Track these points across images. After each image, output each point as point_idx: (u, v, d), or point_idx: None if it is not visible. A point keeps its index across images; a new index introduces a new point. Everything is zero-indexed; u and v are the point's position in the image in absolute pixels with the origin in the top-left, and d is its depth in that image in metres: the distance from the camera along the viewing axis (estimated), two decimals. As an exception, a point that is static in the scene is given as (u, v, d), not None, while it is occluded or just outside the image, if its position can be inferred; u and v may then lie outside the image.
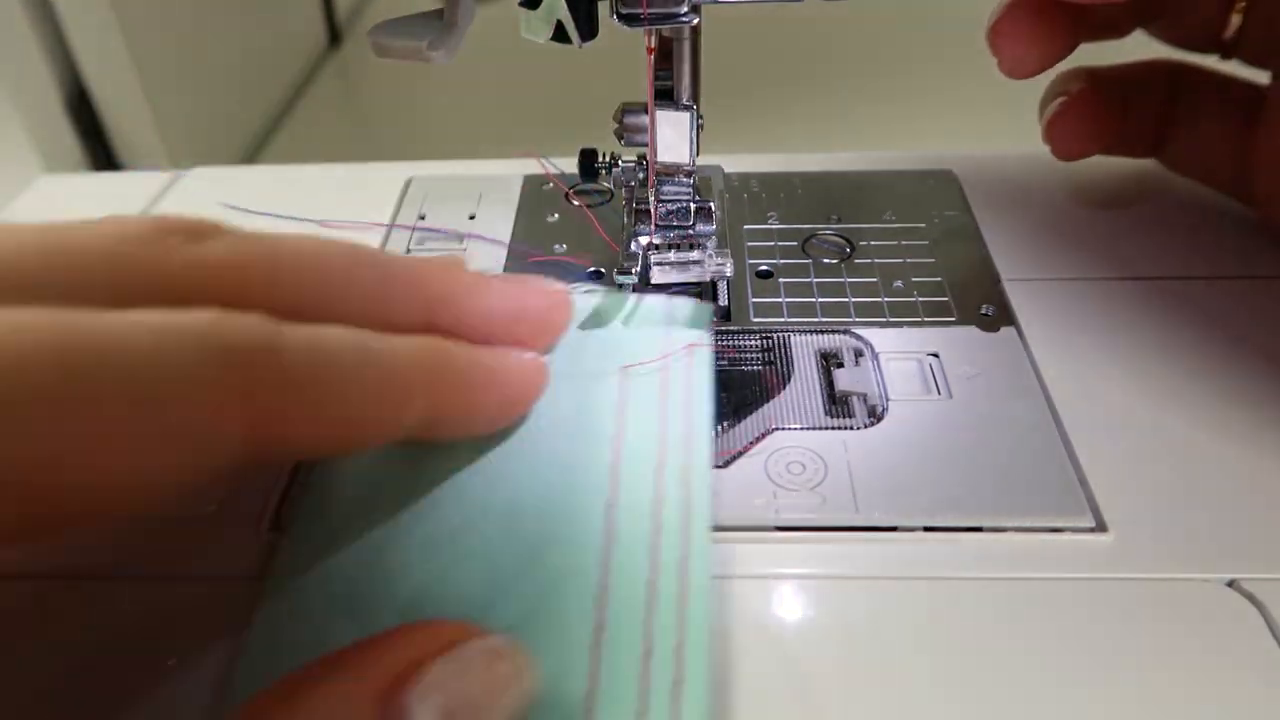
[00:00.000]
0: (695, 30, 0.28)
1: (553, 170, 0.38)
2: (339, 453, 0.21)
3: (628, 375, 0.26)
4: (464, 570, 0.22)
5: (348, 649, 0.18)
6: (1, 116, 0.47)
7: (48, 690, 0.21)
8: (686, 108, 0.29)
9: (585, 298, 0.29)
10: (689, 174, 0.31)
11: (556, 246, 0.35)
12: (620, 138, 0.31)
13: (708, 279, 0.30)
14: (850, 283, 0.33)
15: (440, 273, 0.24)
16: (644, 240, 0.31)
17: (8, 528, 0.16)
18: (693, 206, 0.32)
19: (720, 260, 0.30)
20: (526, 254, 0.35)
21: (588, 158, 0.34)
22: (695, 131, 0.30)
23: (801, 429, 0.28)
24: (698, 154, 0.30)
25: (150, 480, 0.17)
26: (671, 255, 0.30)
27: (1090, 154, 0.34)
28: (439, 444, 0.24)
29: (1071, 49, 0.31)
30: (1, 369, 0.15)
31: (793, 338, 0.31)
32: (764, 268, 0.33)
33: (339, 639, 0.19)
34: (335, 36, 0.72)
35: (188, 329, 0.17)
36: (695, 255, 0.30)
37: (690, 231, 0.32)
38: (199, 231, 0.21)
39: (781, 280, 0.33)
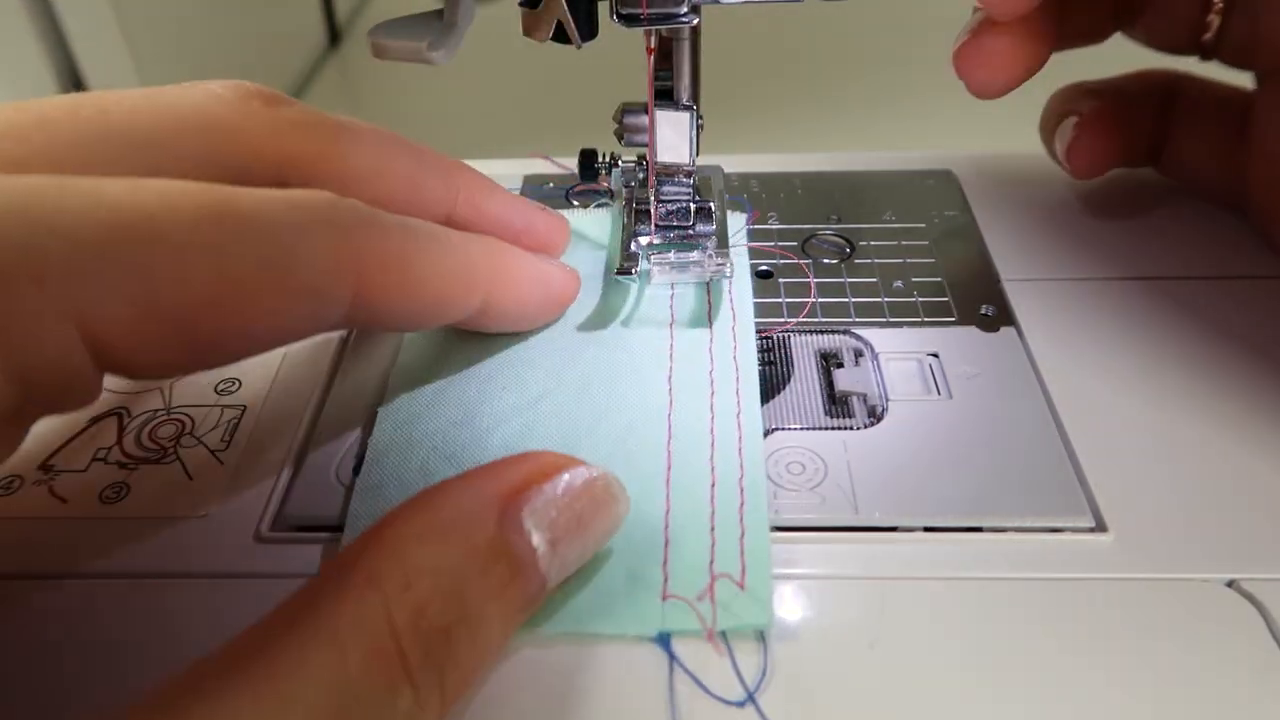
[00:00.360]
0: (695, 30, 0.28)
1: (560, 170, 0.38)
2: (415, 327, 0.26)
3: (672, 276, 0.31)
4: (545, 425, 0.26)
5: (470, 471, 0.21)
6: (1, 116, 0.47)
7: (47, 690, 0.21)
8: (686, 108, 0.29)
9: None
10: (689, 174, 0.31)
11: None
12: (620, 138, 0.31)
13: (707, 279, 0.30)
14: (850, 283, 0.33)
15: (464, 170, 0.28)
16: (644, 240, 0.31)
17: (172, 359, 0.20)
18: (693, 207, 0.32)
19: (720, 261, 0.30)
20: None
21: (587, 158, 0.34)
22: (695, 132, 0.30)
23: (801, 429, 0.28)
24: (698, 154, 0.31)
25: (278, 326, 0.21)
26: (671, 255, 0.30)
27: (1107, 171, 0.34)
28: (516, 335, 0.29)
29: (1043, 64, 0.30)
30: (176, 224, 0.19)
31: (793, 338, 0.31)
32: (764, 268, 0.33)
33: (442, 477, 0.22)
34: (335, 36, 0.72)
35: (313, 204, 0.21)
36: (695, 255, 0.30)
37: (690, 231, 0.32)
38: (275, 99, 0.25)
39: (781, 280, 0.33)
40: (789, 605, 0.23)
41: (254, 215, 0.20)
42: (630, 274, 0.30)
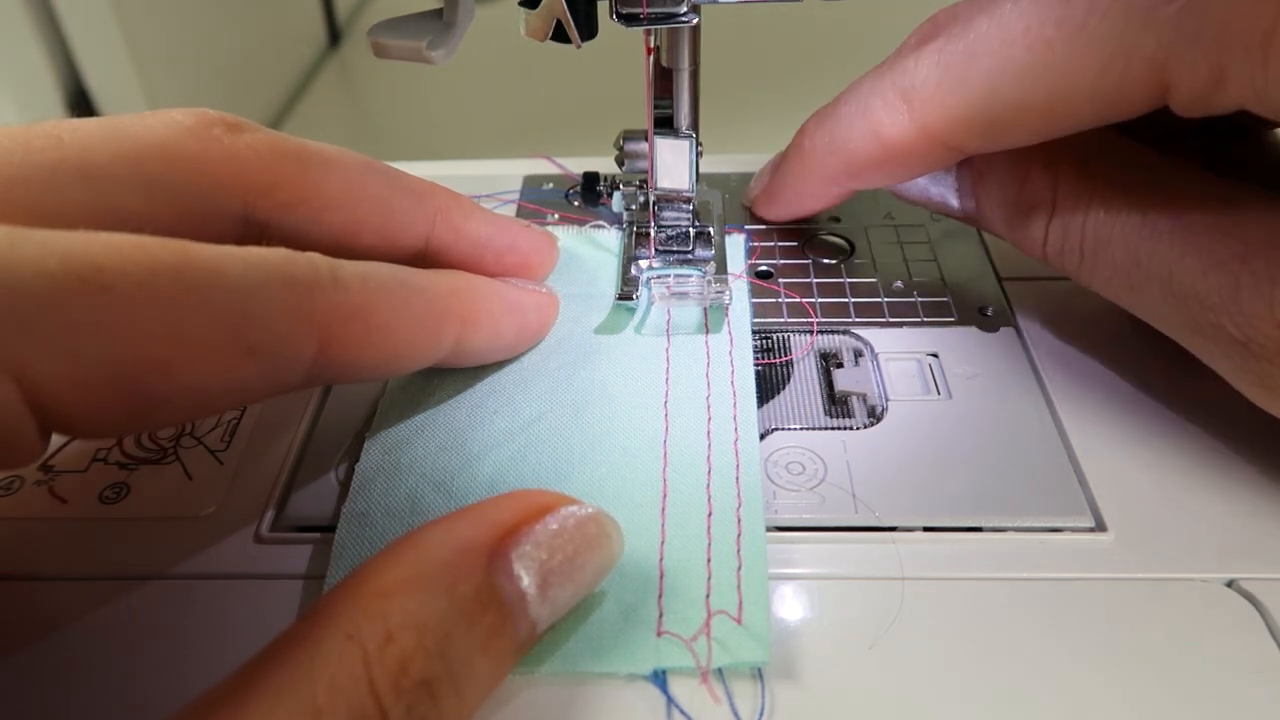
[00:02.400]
0: (695, 33, 0.28)
1: (560, 170, 0.38)
2: (384, 377, 0.24)
3: (671, 301, 0.30)
4: (538, 451, 0.26)
5: (455, 513, 0.20)
6: (2, 116, 0.47)
7: (47, 690, 0.21)
8: (686, 135, 0.30)
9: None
10: (688, 200, 0.31)
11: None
12: (621, 164, 0.31)
13: (706, 304, 0.30)
14: (850, 283, 0.33)
15: (441, 192, 0.27)
16: (643, 264, 0.31)
17: (119, 420, 0.19)
18: (692, 231, 0.32)
19: (719, 287, 0.30)
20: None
21: (590, 180, 0.34)
22: (694, 158, 0.30)
23: (801, 429, 0.28)
24: (697, 180, 0.31)
25: (233, 387, 0.20)
26: (670, 280, 0.30)
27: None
28: (508, 361, 0.28)
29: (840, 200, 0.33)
30: (127, 278, 0.18)
31: (793, 338, 0.31)
32: (764, 268, 0.33)
33: (430, 506, 0.24)
34: (335, 36, 0.72)
35: (269, 261, 0.20)
36: (693, 280, 0.30)
37: (690, 256, 0.32)
38: (238, 126, 0.24)
39: (781, 280, 0.33)
40: (789, 605, 0.23)
41: (210, 271, 0.19)
42: (631, 299, 0.30)
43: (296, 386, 0.21)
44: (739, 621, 0.22)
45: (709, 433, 0.26)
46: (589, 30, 0.27)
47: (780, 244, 0.35)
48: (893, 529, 0.25)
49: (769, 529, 0.24)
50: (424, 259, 0.27)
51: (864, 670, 0.21)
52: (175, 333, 0.18)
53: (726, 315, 0.30)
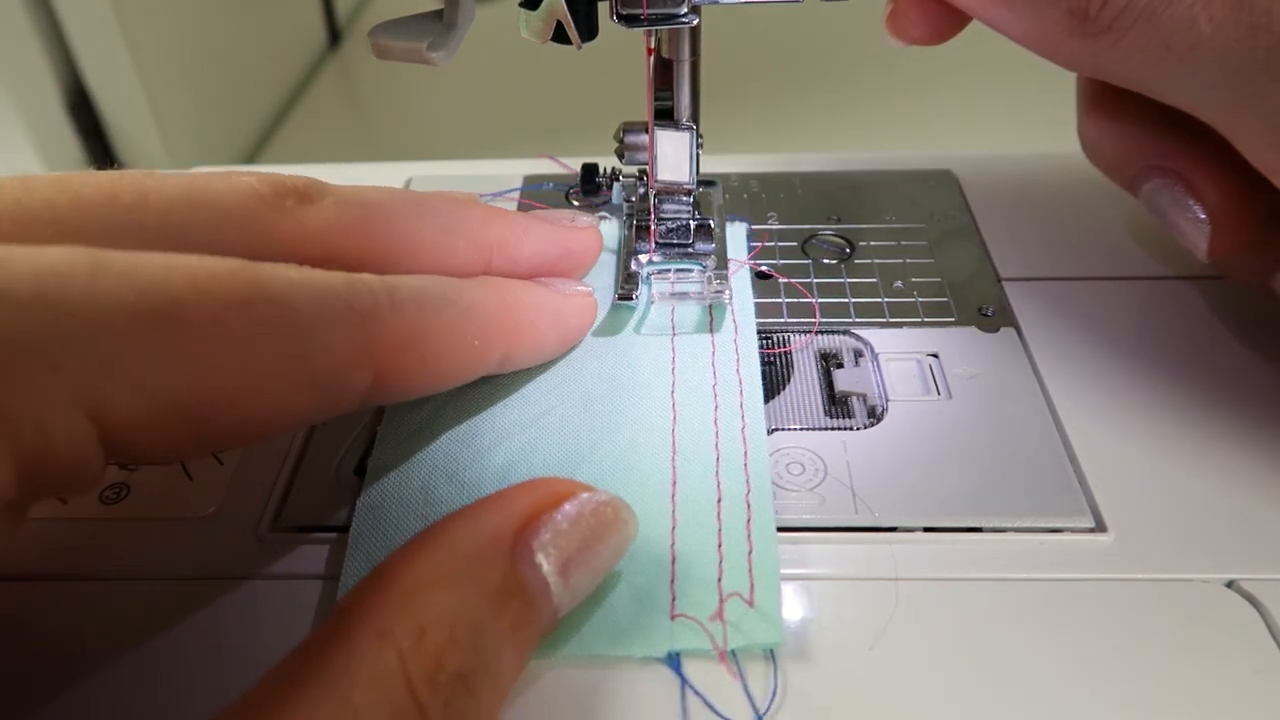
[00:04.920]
0: (695, 32, 0.28)
1: (563, 169, 0.38)
2: (435, 391, 0.25)
3: (672, 301, 0.31)
4: (548, 442, 0.26)
5: (474, 505, 0.21)
6: (1, 116, 0.47)
7: (47, 691, 0.21)
8: (687, 128, 0.30)
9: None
10: (689, 192, 0.31)
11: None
12: (621, 156, 0.31)
13: (707, 302, 0.30)
14: (850, 283, 0.33)
15: (494, 221, 0.27)
16: (644, 258, 0.31)
17: (180, 449, 0.20)
18: (692, 225, 0.32)
19: (719, 286, 0.30)
20: None
21: (589, 172, 0.34)
22: (695, 151, 0.30)
23: (801, 429, 0.28)
24: (698, 173, 0.31)
25: (291, 417, 0.21)
26: (670, 278, 0.30)
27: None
28: None
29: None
30: (202, 311, 0.18)
31: (792, 338, 0.31)
32: (764, 268, 0.33)
33: (443, 497, 0.24)
34: (335, 36, 0.72)
35: (332, 290, 0.21)
36: (694, 279, 0.30)
37: (690, 249, 0.32)
38: (308, 195, 0.24)
39: (781, 280, 0.33)
40: (789, 605, 0.23)
41: (279, 303, 0.20)
42: (631, 299, 0.30)
43: (347, 411, 0.22)
44: (751, 604, 0.22)
45: (716, 421, 0.26)
46: (589, 31, 0.27)
47: (780, 244, 0.35)
48: (893, 529, 0.25)
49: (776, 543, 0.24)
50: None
51: (864, 670, 0.21)
52: (244, 367, 0.19)
53: (730, 307, 0.30)
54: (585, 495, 0.21)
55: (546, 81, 0.64)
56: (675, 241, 0.32)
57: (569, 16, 0.26)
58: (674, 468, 0.25)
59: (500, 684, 0.19)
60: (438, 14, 0.27)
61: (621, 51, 0.29)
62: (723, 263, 0.32)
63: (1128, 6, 0.23)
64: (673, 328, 0.30)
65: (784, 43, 0.68)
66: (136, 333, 0.17)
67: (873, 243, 0.34)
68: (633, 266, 0.31)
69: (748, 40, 0.67)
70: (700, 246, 0.32)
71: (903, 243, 0.34)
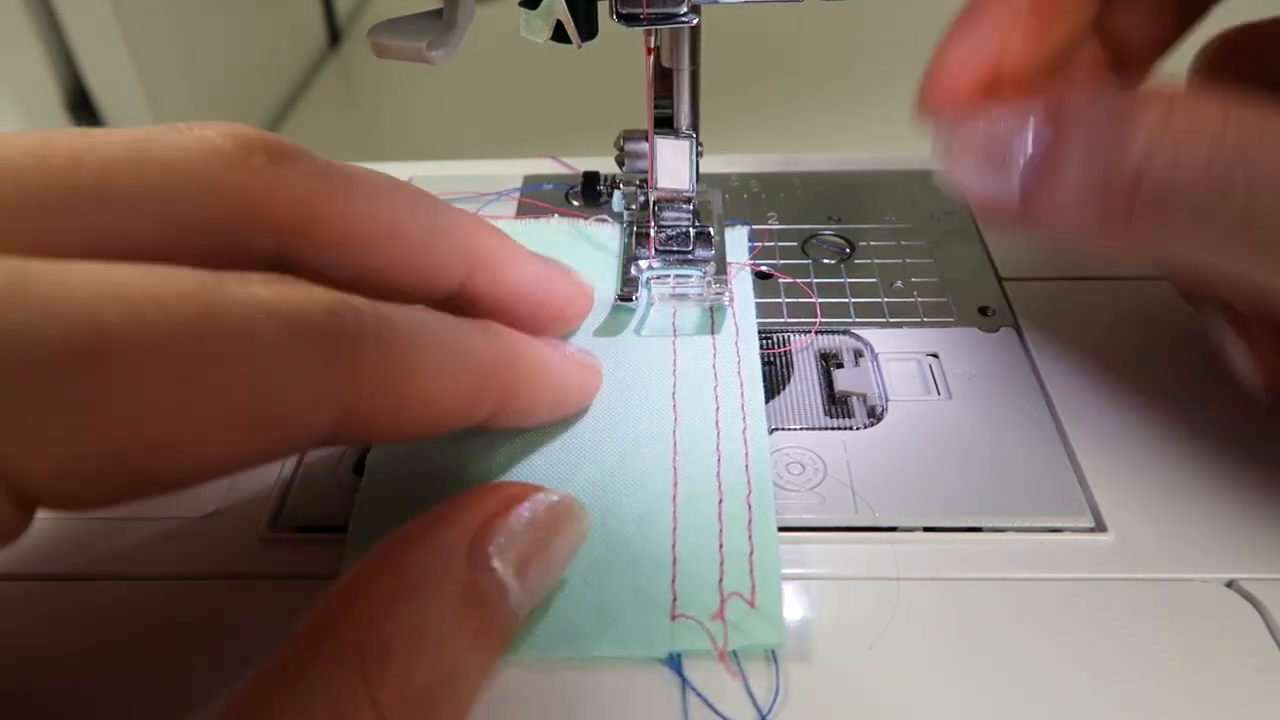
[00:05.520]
0: (695, 39, 0.28)
1: (566, 170, 0.38)
2: (402, 439, 0.22)
3: (671, 303, 0.30)
4: (549, 440, 0.26)
5: (432, 511, 0.20)
6: (1, 116, 0.47)
7: (46, 691, 0.21)
8: (686, 136, 0.30)
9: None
10: (688, 200, 0.31)
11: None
12: (621, 164, 0.31)
13: (706, 305, 0.30)
14: (850, 283, 0.33)
15: (486, 234, 0.25)
16: (643, 264, 0.31)
17: (108, 499, 0.16)
18: (692, 232, 0.32)
19: (718, 289, 0.30)
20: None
21: (590, 180, 0.34)
22: (695, 158, 0.30)
23: (801, 429, 0.28)
24: (697, 180, 0.31)
25: (237, 461, 0.18)
26: (670, 282, 0.30)
27: None
28: None
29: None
30: (139, 348, 0.15)
31: (792, 338, 0.31)
32: (764, 268, 0.33)
33: (442, 495, 0.22)
34: (335, 36, 0.72)
35: (307, 318, 0.18)
36: (693, 282, 0.30)
37: (690, 256, 0.32)
38: (280, 153, 0.21)
39: (781, 280, 0.33)
40: (788, 606, 0.23)
41: (237, 333, 0.16)
42: (631, 300, 0.30)
43: (300, 453, 0.20)
44: (752, 605, 0.22)
45: (717, 422, 0.26)
46: (589, 31, 0.27)
47: (780, 244, 0.35)
48: (892, 529, 0.25)
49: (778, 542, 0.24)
50: (454, 302, 0.25)
51: (864, 670, 0.21)
52: (186, 411, 0.16)
53: (731, 308, 0.30)
54: (538, 496, 0.21)
55: (546, 81, 0.64)
56: (675, 248, 0.32)
57: (569, 16, 0.26)
58: (675, 468, 0.25)
59: (466, 693, 0.19)
60: (438, 14, 0.27)
61: (622, 52, 0.29)
62: (722, 269, 0.32)
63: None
64: (674, 329, 0.30)
65: (784, 43, 0.68)
66: (57, 378, 0.15)
67: (873, 243, 0.34)
68: (632, 272, 0.31)
69: (748, 40, 0.67)
70: (700, 253, 0.32)
71: (903, 243, 0.34)
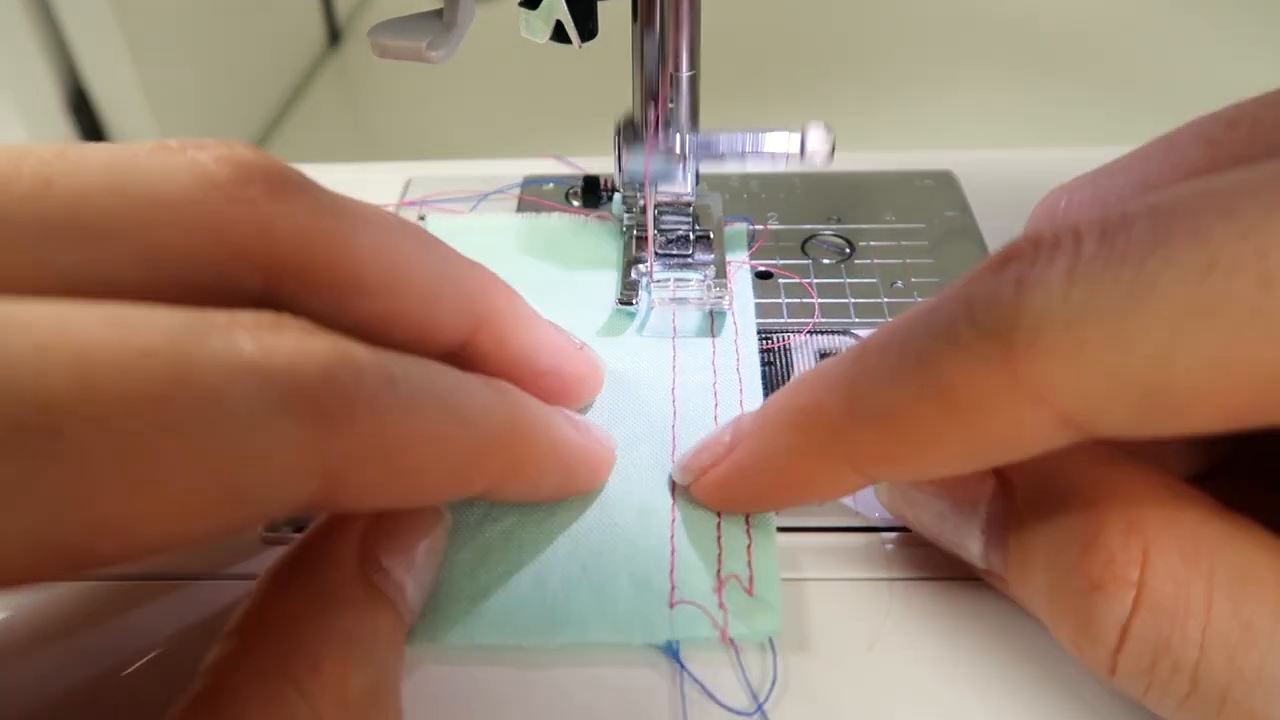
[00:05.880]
0: (695, 36, 0.28)
1: (571, 169, 0.38)
2: (384, 509, 0.20)
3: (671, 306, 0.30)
4: None
5: (308, 536, 0.20)
6: (1, 116, 0.47)
7: (46, 691, 0.21)
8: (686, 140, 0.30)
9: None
10: (688, 203, 0.31)
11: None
12: (620, 161, 0.31)
13: (706, 309, 0.30)
14: (850, 283, 0.33)
15: (497, 292, 0.23)
16: (643, 268, 0.31)
17: (49, 579, 0.14)
18: (692, 235, 0.32)
19: (718, 292, 0.30)
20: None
21: (591, 184, 0.34)
22: (694, 163, 0.30)
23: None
24: (697, 183, 0.31)
25: (200, 536, 0.15)
26: (670, 286, 0.30)
27: None
28: None
29: None
30: (91, 420, 0.13)
31: (792, 338, 0.31)
32: (764, 268, 0.33)
33: None
34: (335, 36, 0.72)
35: (293, 382, 0.15)
36: (693, 286, 0.30)
37: (689, 259, 0.32)
38: (279, 186, 0.18)
39: (781, 280, 0.33)
40: (789, 607, 0.23)
41: (207, 400, 0.14)
42: (631, 304, 0.31)
43: (269, 523, 0.20)
44: (750, 593, 0.22)
45: (716, 419, 0.27)
46: (589, 31, 0.27)
47: (780, 244, 0.35)
48: (892, 529, 0.25)
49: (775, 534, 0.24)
50: (454, 360, 0.22)
51: (863, 671, 0.22)
52: (141, 490, 0.14)
53: (730, 311, 0.30)
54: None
55: (546, 81, 0.64)
56: (675, 252, 0.32)
57: (569, 16, 0.26)
58: (673, 462, 0.25)
59: (397, 688, 0.19)
60: (438, 14, 0.27)
61: (622, 51, 0.29)
62: (722, 272, 0.32)
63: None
64: (674, 330, 0.30)
65: (784, 43, 0.68)
66: None
67: (873, 243, 0.34)
68: (632, 275, 0.31)
69: (748, 41, 0.67)
70: (700, 257, 0.32)
71: (903, 243, 0.34)
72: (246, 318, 0.16)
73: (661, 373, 0.28)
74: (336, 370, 0.16)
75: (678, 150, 0.29)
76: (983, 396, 0.17)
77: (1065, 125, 0.57)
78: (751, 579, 0.22)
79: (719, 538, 0.23)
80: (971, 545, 0.21)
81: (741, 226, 0.35)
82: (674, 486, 0.25)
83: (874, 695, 0.21)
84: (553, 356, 0.25)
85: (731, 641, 0.21)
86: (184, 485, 0.14)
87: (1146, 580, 0.17)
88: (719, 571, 0.23)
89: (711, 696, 0.21)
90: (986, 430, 0.17)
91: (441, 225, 0.36)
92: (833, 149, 0.29)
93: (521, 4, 0.26)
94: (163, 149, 0.18)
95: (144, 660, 0.22)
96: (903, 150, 0.40)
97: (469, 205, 0.37)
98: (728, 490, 0.23)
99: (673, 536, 0.23)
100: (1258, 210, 0.15)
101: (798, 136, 0.29)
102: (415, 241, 0.21)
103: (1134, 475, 0.18)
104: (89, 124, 0.51)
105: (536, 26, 0.27)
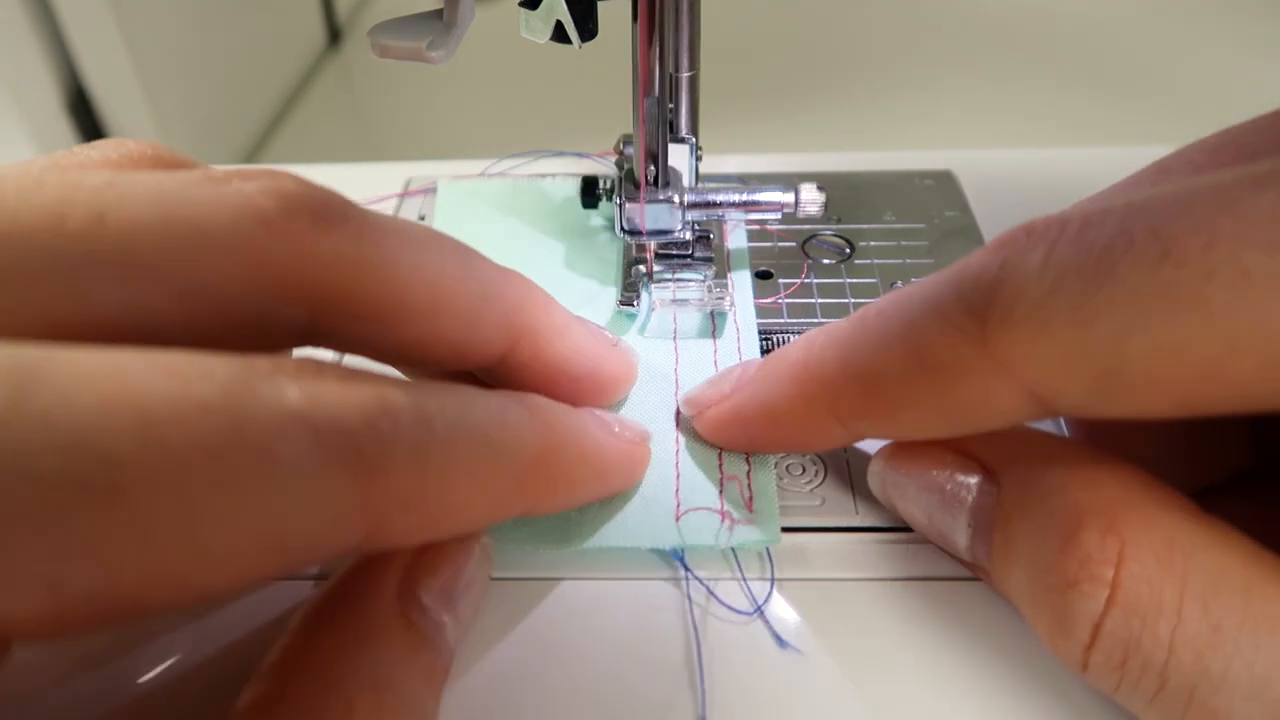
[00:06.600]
0: (695, 36, 0.28)
1: (601, 166, 0.38)
2: (419, 544, 0.20)
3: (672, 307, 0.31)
4: None
5: (350, 565, 0.20)
6: (1, 116, 0.47)
7: (44, 691, 0.21)
8: (685, 140, 0.30)
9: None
10: (685, 242, 0.32)
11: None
12: (621, 167, 0.31)
13: (707, 309, 0.30)
14: (850, 283, 0.33)
15: (535, 303, 0.23)
16: (643, 268, 0.31)
17: (90, 631, 0.14)
18: (691, 236, 0.32)
19: (719, 294, 0.30)
20: None
21: (589, 184, 0.34)
22: (694, 162, 0.30)
23: (801, 429, 0.28)
24: (697, 183, 0.31)
25: (241, 586, 0.15)
26: (670, 288, 0.30)
27: None
28: None
29: None
30: (153, 483, 0.13)
31: (793, 338, 0.31)
32: (764, 268, 0.33)
33: None
34: (335, 36, 0.72)
35: (343, 430, 0.15)
36: (694, 287, 0.30)
37: (689, 260, 0.32)
38: (325, 218, 0.18)
39: (781, 280, 0.33)
40: (789, 607, 0.23)
41: (259, 455, 0.14)
42: (632, 305, 0.31)
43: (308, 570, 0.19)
44: (750, 510, 0.24)
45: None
46: (589, 31, 0.27)
47: (780, 244, 0.35)
48: (893, 529, 0.25)
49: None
50: (491, 373, 0.23)
51: (864, 671, 0.22)
52: (194, 546, 0.14)
53: (731, 313, 0.30)
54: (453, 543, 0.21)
55: (546, 81, 0.64)
56: (675, 253, 0.32)
57: (569, 16, 0.26)
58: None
59: None
60: (438, 14, 0.27)
61: (622, 51, 0.29)
62: (722, 272, 0.32)
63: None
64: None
65: (784, 43, 0.68)
66: (47, 516, 0.12)
67: (873, 243, 0.34)
68: (632, 276, 0.31)
69: (748, 41, 0.67)
70: (700, 257, 0.32)
71: (903, 243, 0.34)
72: (289, 364, 0.16)
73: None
74: (377, 420, 0.16)
75: (676, 201, 0.30)
76: (956, 364, 0.18)
77: (1065, 125, 0.57)
78: (751, 498, 0.24)
79: (721, 465, 0.25)
80: (958, 538, 0.22)
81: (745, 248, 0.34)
82: (679, 420, 0.26)
83: (874, 695, 0.21)
84: (588, 361, 0.25)
85: (733, 553, 0.24)
86: (234, 538, 0.14)
87: (1120, 580, 0.17)
88: (721, 491, 0.24)
89: (714, 595, 0.23)
90: (958, 396, 0.19)
91: (454, 190, 0.36)
92: (825, 204, 0.31)
93: (521, 4, 0.26)
94: (209, 180, 0.18)
95: (143, 660, 0.22)
96: (903, 150, 0.40)
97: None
98: (726, 429, 0.25)
99: (678, 463, 0.25)
100: (1212, 207, 0.16)
101: (791, 195, 0.31)
102: (456, 260, 0.21)
103: (1117, 476, 0.19)
104: (89, 124, 0.51)
105: (536, 26, 0.27)
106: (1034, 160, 0.38)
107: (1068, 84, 0.61)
